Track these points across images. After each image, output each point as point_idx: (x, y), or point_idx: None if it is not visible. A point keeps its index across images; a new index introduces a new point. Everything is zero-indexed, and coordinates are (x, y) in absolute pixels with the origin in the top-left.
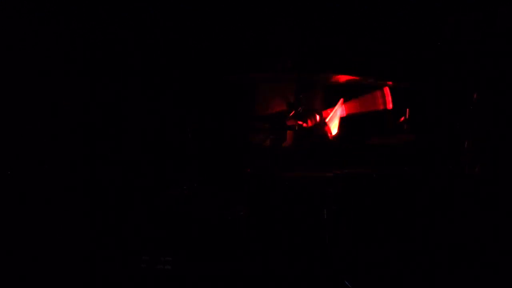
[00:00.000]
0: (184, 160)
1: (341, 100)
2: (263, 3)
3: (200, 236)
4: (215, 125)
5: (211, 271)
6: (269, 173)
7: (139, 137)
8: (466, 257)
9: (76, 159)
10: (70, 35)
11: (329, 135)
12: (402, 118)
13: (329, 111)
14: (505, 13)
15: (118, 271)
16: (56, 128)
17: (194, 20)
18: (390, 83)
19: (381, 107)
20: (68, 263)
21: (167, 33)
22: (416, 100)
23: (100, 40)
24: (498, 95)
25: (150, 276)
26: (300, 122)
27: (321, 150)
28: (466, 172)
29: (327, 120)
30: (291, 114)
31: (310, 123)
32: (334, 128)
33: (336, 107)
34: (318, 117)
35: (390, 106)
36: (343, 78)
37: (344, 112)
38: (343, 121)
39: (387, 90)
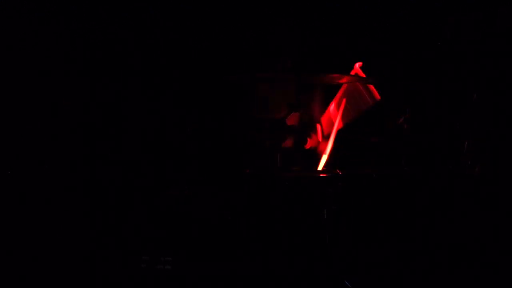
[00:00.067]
0: (184, 160)
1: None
2: (263, 3)
3: (200, 236)
4: (215, 125)
5: (211, 271)
6: (269, 173)
7: (139, 137)
8: (466, 257)
9: (76, 159)
10: (70, 35)
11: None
12: (402, 118)
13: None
14: (505, 13)
15: (118, 271)
16: (56, 128)
17: (194, 20)
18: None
19: (371, 102)
20: (68, 263)
21: (167, 33)
22: (416, 100)
23: (100, 40)
24: (498, 95)
25: (150, 276)
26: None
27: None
28: (466, 172)
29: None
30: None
31: (310, 142)
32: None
33: (335, 124)
34: (319, 133)
35: (378, 97)
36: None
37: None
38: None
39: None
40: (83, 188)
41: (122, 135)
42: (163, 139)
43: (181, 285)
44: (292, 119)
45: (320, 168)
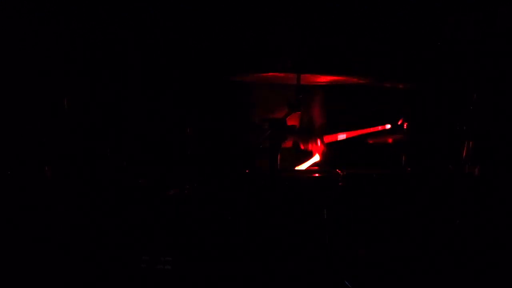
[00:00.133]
0: (184, 160)
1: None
2: (263, 3)
3: (200, 236)
4: (215, 125)
5: (211, 271)
6: (269, 173)
7: (139, 137)
8: (466, 257)
9: (76, 159)
10: (70, 35)
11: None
12: (402, 119)
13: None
14: (505, 13)
15: (118, 271)
16: (56, 128)
17: (194, 20)
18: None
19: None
20: (68, 263)
21: (167, 33)
22: (416, 100)
23: (100, 40)
24: (498, 95)
25: (150, 276)
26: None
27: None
28: (466, 172)
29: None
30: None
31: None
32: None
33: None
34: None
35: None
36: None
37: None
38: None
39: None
40: (83, 188)
41: (122, 135)
42: (163, 139)
43: (181, 285)
44: (292, 119)
45: (304, 167)
